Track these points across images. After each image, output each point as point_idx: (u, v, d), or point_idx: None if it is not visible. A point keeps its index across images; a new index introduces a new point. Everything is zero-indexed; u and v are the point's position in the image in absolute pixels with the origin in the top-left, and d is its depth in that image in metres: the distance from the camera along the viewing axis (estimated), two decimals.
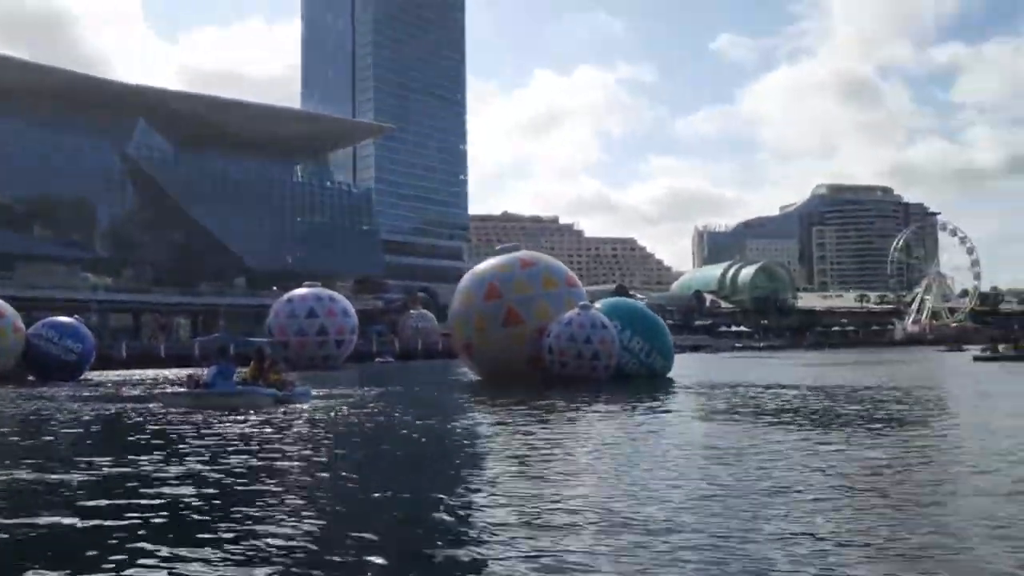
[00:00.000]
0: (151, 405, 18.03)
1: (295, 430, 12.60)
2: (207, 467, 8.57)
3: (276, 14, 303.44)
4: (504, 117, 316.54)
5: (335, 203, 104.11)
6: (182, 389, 19.84)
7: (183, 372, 22.95)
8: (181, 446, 10.47)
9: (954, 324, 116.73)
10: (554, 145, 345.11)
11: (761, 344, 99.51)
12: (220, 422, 13.74)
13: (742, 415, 14.14)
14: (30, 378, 31.53)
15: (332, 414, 15.78)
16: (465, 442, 11.35)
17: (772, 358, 58.79)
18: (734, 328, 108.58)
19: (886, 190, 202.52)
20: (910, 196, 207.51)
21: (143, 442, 11.13)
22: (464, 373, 34.31)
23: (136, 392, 24.08)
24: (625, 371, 23.20)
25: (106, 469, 8.50)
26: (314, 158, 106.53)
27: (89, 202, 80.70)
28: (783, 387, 21.08)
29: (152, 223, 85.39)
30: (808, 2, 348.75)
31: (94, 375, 35.12)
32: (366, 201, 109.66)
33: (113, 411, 16.96)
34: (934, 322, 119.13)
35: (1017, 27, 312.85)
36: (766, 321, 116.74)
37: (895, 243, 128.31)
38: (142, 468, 8.48)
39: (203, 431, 12.38)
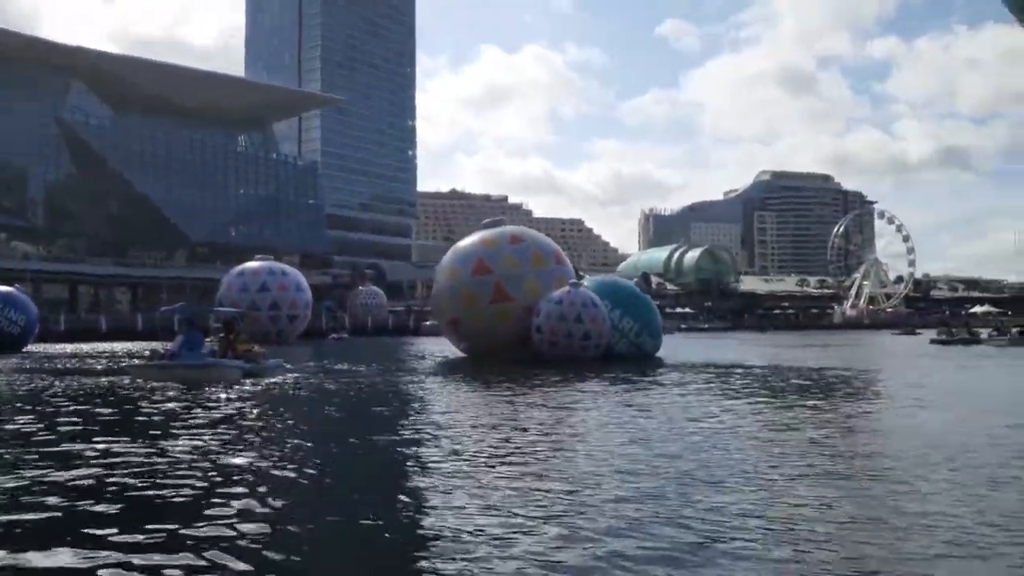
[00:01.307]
0: (124, 379, 16.99)
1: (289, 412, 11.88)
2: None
3: None
4: (450, 93, 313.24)
5: (280, 175, 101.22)
6: (150, 361, 19.09)
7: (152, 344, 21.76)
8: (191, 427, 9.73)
9: (889, 309, 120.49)
10: (501, 123, 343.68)
11: (705, 325, 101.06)
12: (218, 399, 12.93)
13: (773, 393, 13.98)
14: None
15: (351, 393, 15.06)
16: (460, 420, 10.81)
17: (722, 339, 59.75)
18: (679, 310, 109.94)
19: (826, 178, 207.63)
20: (848, 184, 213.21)
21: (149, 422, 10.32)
22: (432, 350, 33.72)
23: (99, 366, 22.81)
24: (615, 351, 22.87)
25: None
26: (259, 128, 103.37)
27: (21, 167, 76.85)
28: (780, 368, 21.08)
29: (88, 191, 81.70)
30: None
31: (36, 348, 33.31)
32: (312, 174, 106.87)
33: (92, 385, 15.83)
34: (871, 307, 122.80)
35: (950, 24, 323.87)
36: (709, 303, 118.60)
37: (835, 230, 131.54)
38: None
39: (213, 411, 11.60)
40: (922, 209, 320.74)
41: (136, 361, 19.85)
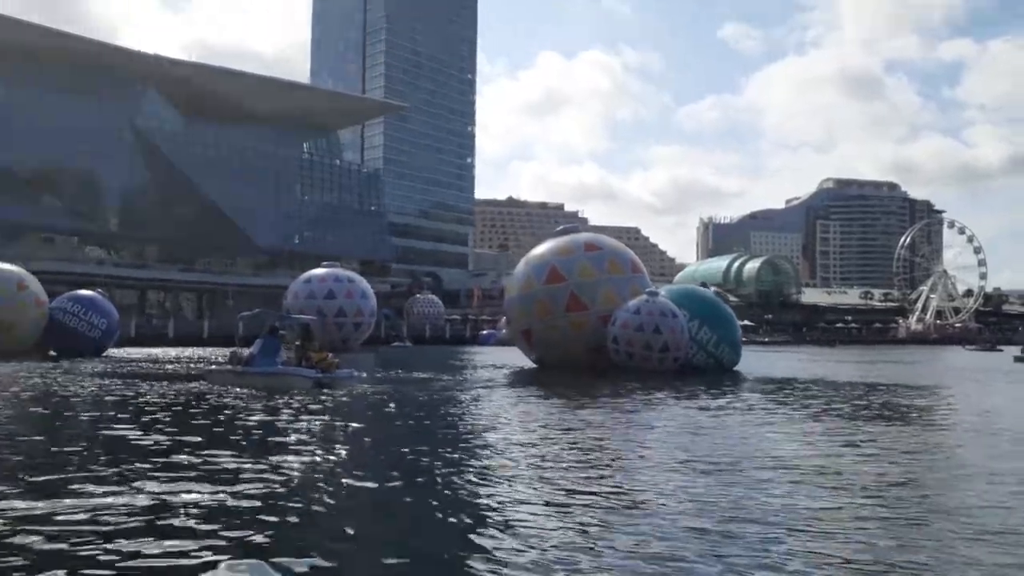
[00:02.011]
0: (206, 384, 17.29)
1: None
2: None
3: None
4: (507, 99, 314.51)
5: (343, 182, 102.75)
6: (227, 366, 19.29)
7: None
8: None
9: (958, 324, 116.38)
10: (557, 130, 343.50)
11: (765, 339, 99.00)
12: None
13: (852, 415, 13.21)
14: (51, 353, 30.60)
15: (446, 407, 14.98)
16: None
17: (787, 352, 58.14)
18: (738, 322, 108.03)
19: (892, 186, 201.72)
20: (915, 193, 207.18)
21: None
22: (497, 360, 33.58)
23: (181, 371, 23.32)
24: (692, 363, 22.35)
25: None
26: (324, 135, 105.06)
27: (97, 173, 79.26)
28: (879, 386, 20.12)
29: (159, 197, 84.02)
30: None
31: (114, 352, 34.21)
32: (375, 181, 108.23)
33: (179, 391, 16.08)
34: (938, 321, 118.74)
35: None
36: (770, 316, 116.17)
37: (902, 240, 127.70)
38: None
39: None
40: (994, 218, 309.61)
41: (214, 366, 20.14)
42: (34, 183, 75.26)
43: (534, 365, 25.67)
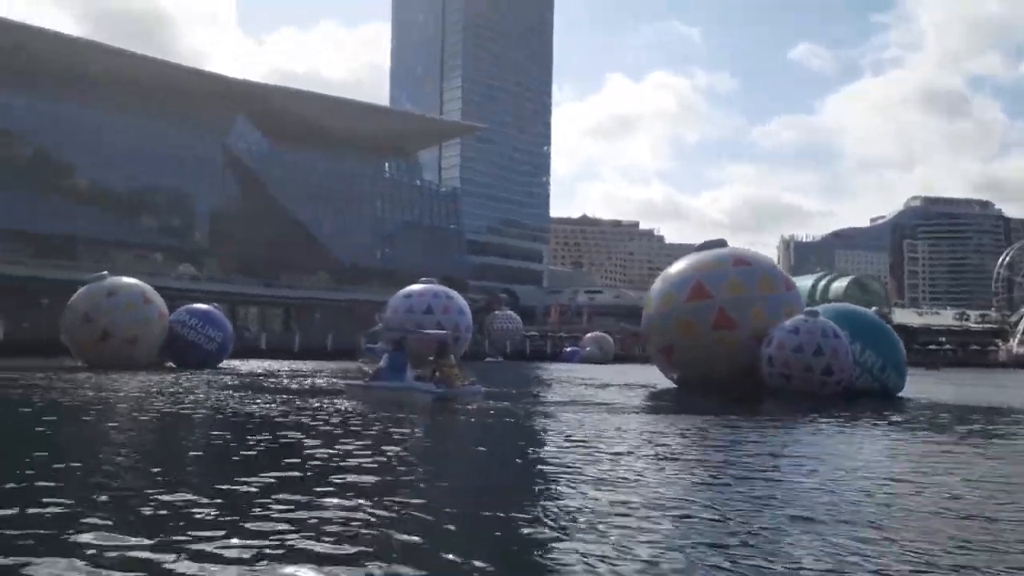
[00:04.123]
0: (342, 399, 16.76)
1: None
2: None
3: (356, 17, 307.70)
4: (575, 120, 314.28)
5: (423, 201, 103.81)
6: (359, 381, 18.98)
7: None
8: None
9: None
10: (624, 151, 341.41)
11: None
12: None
13: None
14: (168, 364, 30.95)
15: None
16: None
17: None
18: None
19: (985, 204, 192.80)
20: (1009, 211, 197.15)
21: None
22: (612, 377, 32.48)
23: (306, 385, 23.02)
24: (854, 387, 20.68)
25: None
26: (404, 156, 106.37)
27: (189, 193, 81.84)
28: None
29: (247, 216, 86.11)
30: (895, 13, 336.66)
31: (224, 365, 34.43)
32: (453, 200, 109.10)
33: (322, 406, 15.58)
34: None
35: None
36: None
37: (1001, 259, 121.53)
38: None
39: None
40: None
41: (347, 382, 19.71)
42: (130, 203, 78.02)
43: (673, 384, 24.36)
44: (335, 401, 16.38)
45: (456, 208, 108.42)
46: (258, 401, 15.71)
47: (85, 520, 4.97)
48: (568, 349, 74.04)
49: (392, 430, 11.31)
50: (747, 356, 20.87)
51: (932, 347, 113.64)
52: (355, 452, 8.49)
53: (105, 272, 30.84)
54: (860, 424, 13.75)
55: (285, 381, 24.36)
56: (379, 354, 25.53)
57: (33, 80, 73.45)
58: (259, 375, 28.41)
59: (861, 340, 21.12)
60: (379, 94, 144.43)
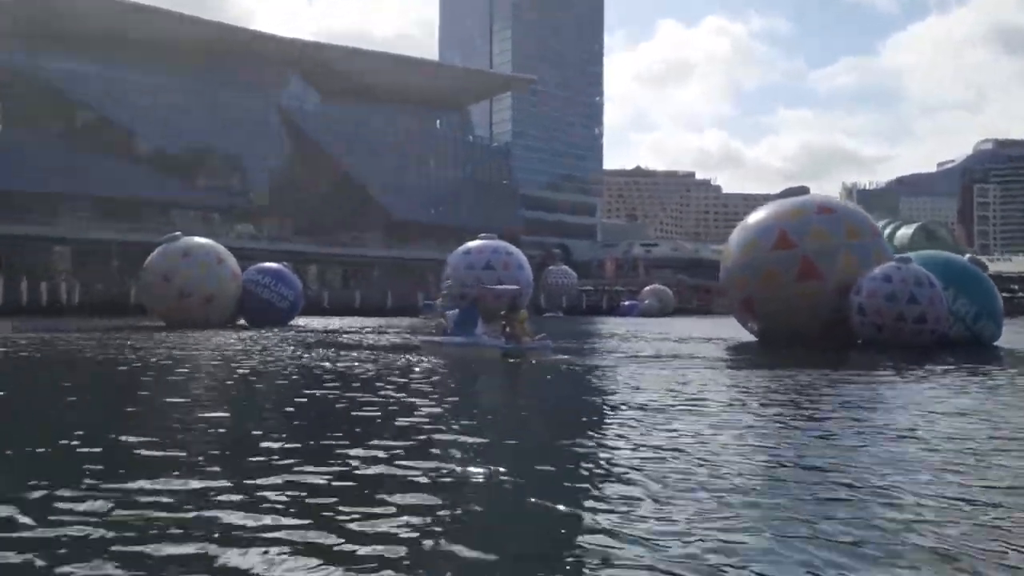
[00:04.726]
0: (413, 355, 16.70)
1: None
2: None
3: None
4: (627, 70, 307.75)
5: (475, 156, 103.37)
6: (434, 337, 19.03)
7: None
8: None
9: None
10: (678, 98, 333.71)
11: None
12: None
13: None
14: (240, 322, 31.46)
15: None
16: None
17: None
18: None
19: None
20: None
21: None
22: (683, 331, 31.95)
23: (384, 342, 23.13)
24: (947, 337, 19.88)
25: None
26: (455, 111, 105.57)
27: (244, 153, 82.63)
28: None
29: (302, 175, 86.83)
30: None
31: (296, 322, 34.91)
32: (505, 155, 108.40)
33: (410, 361, 15.51)
34: None
35: None
36: None
37: None
38: None
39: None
40: None
41: (423, 338, 19.66)
42: (189, 164, 79.23)
43: (753, 337, 23.71)
44: (417, 357, 16.29)
45: (508, 163, 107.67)
46: (347, 359, 15.66)
47: (223, 496, 4.79)
48: (626, 303, 73.28)
49: (496, 389, 11.12)
50: (831, 307, 20.15)
51: (1004, 295, 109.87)
52: (462, 411, 8.30)
53: (178, 233, 31.33)
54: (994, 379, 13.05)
55: (359, 338, 24.47)
56: (437, 311, 25.40)
57: (91, 46, 74.59)
58: (333, 332, 28.66)
59: (954, 288, 20.22)
60: (429, 51, 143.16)
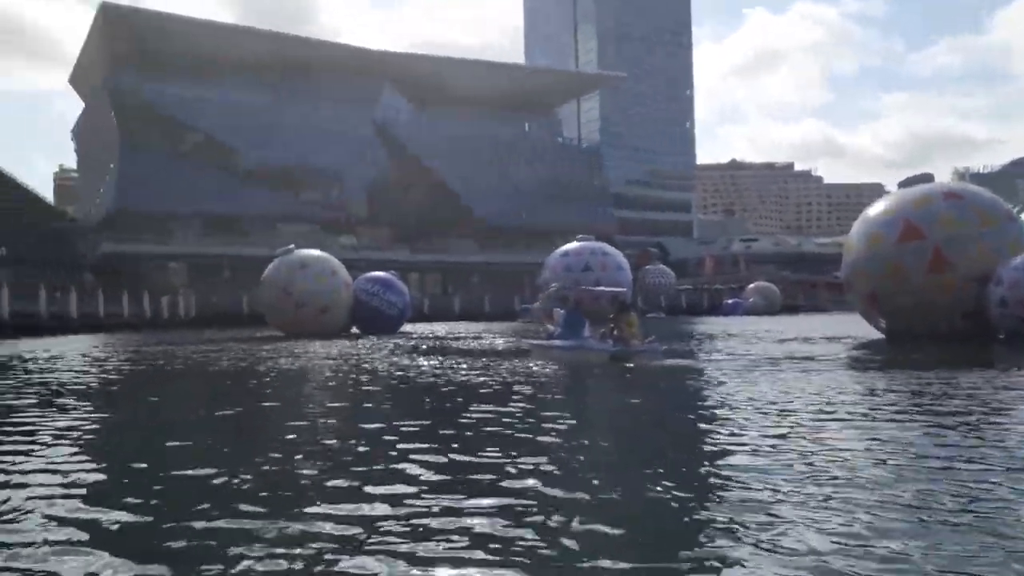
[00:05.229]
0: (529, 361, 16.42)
1: None
2: None
3: None
4: (716, 62, 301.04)
5: (565, 158, 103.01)
6: (544, 341, 18.79)
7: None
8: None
9: None
10: (770, 89, 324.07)
11: None
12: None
13: None
14: (353, 330, 32.10)
15: None
16: None
17: None
18: None
19: None
20: None
21: None
22: (790, 329, 30.69)
23: (471, 345, 23.08)
24: None
25: None
26: (544, 114, 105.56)
27: (344, 166, 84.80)
28: None
29: (398, 184, 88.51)
30: None
31: (407, 328, 35.41)
32: (594, 155, 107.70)
33: (528, 367, 15.23)
34: None
35: None
36: None
37: None
38: None
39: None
40: None
41: (532, 342, 19.40)
42: (289, 179, 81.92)
43: (880, 335, 22.39)
44: (526, 362, 15.99)
45: (598, 163, 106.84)
46: (462, 366, 15.50)
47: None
48: (729, 301, 71.32)
49: (622, 396, 10.68)
50: (965, 300, 18.73)
51: None
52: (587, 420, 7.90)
53: (292, 246, 32.26)
54: None
55: (468, 344, 24.45)
56: (535, 315, 25.15)
57: (197, 70, 78.29)
58: (441, 338, 28.82)
59: None
60: (515, 57, 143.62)
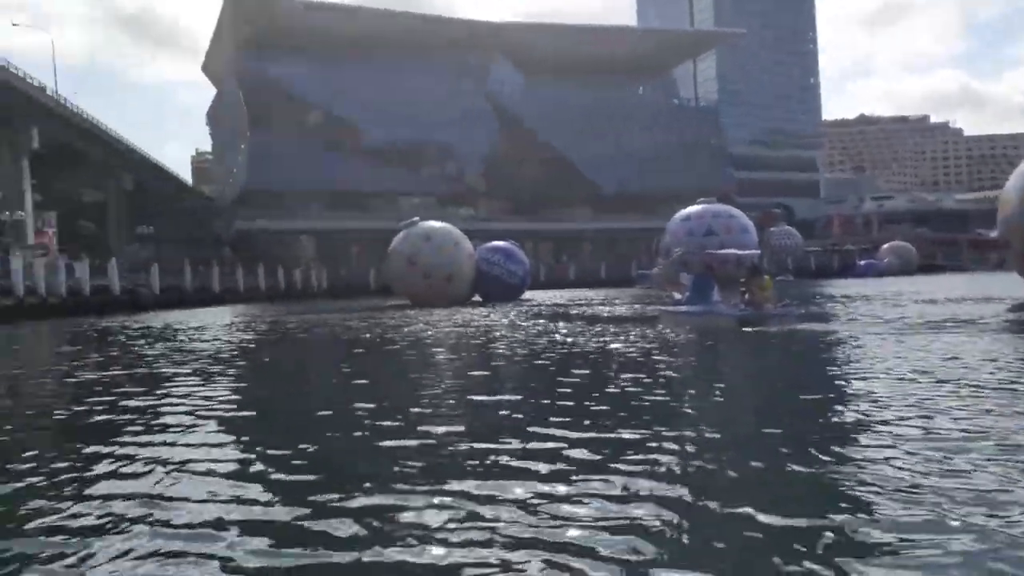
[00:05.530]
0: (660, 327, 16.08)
1: None
2: None
3: None
4: (841, 12, 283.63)
5: (680, 120, 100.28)
6: (671, 307, 18.50)
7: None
8: None
9: None
10: (901, 38, 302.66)
11: None
12: None
13: None
14: (475, 299, 32.68)
15: None
16: None
17: None
18: None
19: None
20: None
21: None
22: (931, 290, 28.84)
23: (622, 312, 22.92)
24: None
25: None
26: (658, 75, 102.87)
27: (460, 139, 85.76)
28: None
29: (511, 155, 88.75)
30: None
31: (527, 296, 35.70)
32: (712, 115, 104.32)
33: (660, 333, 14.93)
34: None
35: None
36: None
37: None
38: None
39: None
40: None
41: (661, 308, 19.03)
42: (408, 154, 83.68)
43: None
44: (656, 328, 15.64)
45: (717, 123, 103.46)
46: (594, 333, 15.36)
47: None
48: (862, 262, 67.90)
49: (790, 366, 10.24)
50: None
51: None
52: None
53: (416, 218, 33.02)
54: None
55: (591, 310, 24.31)
56: (654, 281, 24.76)
57: (316, 50, 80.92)
58: (562, 305, 28.85)
59: None
60: (627, 19, 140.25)
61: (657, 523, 3.40)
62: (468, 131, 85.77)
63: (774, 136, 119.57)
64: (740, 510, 3.51)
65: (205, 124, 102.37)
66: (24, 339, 21.36)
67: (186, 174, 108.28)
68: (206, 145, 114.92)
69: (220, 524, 3.62)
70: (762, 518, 3.41)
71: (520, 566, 2.99)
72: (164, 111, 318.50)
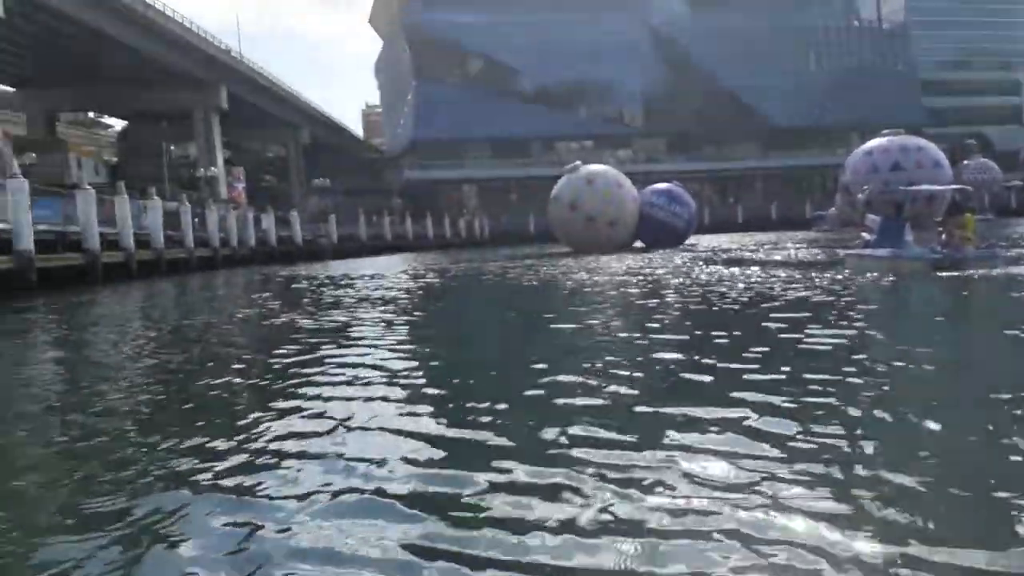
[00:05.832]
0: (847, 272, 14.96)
1: None
2: None
3: None
4: None
5: (862, 44, 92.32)
6: (858, 251, 17.24)
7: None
8: None
9: None
10: None
11: None
12: None
13: None
14: (637, 244, 32.03)
15: None
16: None
17: None
18: None
19: None
20: None
21: None
22: None
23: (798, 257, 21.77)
24: None
25: None
26: None
27: (620, 78, 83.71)
28: None
29: (675, 91, 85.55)
30: None
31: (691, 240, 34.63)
32: (899, 38, 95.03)
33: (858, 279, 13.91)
34: None
35: None
36: None
37: None
38: None
39: None
40: None
41: (848, 251, 17.73)
42: (567, 97, 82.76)
43: None
44: (843, 274, 14.49)
45: (904, 45, 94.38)
46: (774, 279, 14.47)
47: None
48: None
49: None
50: None
51: None
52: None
53: (578, 162, 32.60)
54: None
55: (765, 255, 23.10)
56: (831, 222, 23.13)
57: None
58: (731, 249, 27.69)
59: None
60: None
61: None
62: (628, 68, 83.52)
63: (970, 57, 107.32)
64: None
65: (374, 76, 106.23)
66: (222, 286, 23.30)
67: (356, 127, 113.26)
68: (374, 98, 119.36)
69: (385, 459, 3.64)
70: None
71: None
72: (333, 64, 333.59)
